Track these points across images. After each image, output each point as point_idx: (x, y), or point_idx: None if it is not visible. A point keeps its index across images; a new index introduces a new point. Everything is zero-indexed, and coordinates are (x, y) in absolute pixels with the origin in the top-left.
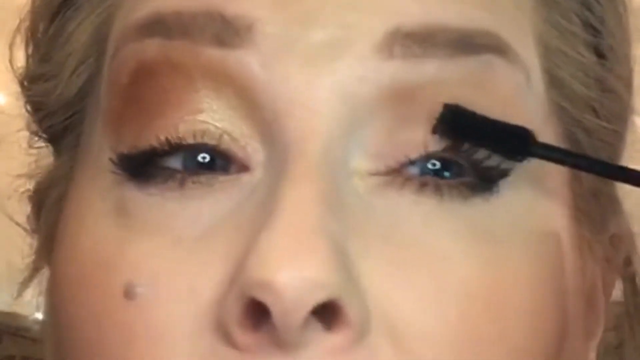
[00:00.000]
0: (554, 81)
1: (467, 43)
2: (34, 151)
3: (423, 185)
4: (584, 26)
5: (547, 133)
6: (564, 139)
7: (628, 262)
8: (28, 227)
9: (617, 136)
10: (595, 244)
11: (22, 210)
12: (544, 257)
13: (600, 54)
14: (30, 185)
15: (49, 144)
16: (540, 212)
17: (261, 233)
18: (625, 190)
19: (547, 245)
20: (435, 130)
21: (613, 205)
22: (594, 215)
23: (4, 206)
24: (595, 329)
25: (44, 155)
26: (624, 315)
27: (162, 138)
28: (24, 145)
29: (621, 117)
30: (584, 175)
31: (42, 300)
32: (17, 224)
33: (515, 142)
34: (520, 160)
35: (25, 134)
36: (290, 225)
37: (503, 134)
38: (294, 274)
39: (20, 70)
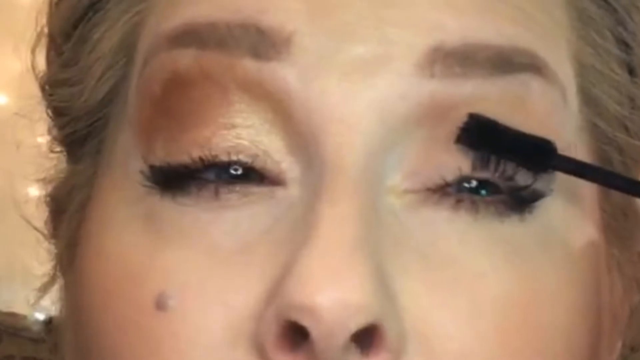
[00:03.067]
0: (588, 99)
1: (506, 62)
2: (49, 156)
3: (459, 202)
4: (617, 43)
5: (580, 151)
6: (596, 156)
7: None
8: (31, 232)
9: None
10: (624, 262)
11: (24, 212)
12: (578, 275)
13: (632, 72)
14: (46, 190)
15: (65, 151)
16: (574, 231)
17: (300, 252)
18: None
19: (581, 263)
20: (458, 140)
21: None
22: (622, 233)
23: (11, 210)
24: (617, 345)
25: (62, 160)
26: None
27: (195, 156)
28: (43, 149)
29: None
30: (613, 193)
31: (42, 301)
32: (36, 229)
33: (538, 154)
34: (542, 172)
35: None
36: (329, 244)
37: (526, 146)
38: (334, 296)
39: (42, 74)
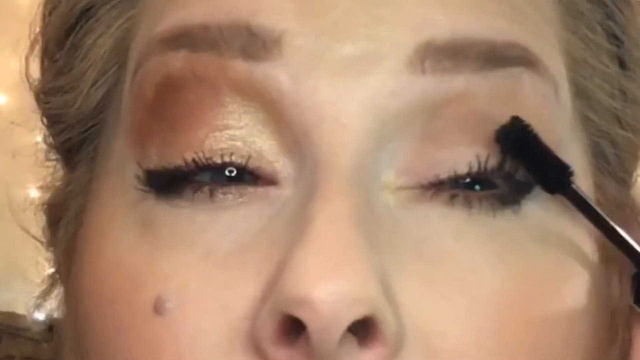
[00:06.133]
0: (580, 92)
1: (497, 56)
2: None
3: (453, 197)
4: (607, 36)
5: (573, 145)
6: (589, 150)
7: None
8: (29, 237)
9: (638, 146)
10: (623, 260)
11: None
12: (575, 268)
13: (623, 64)
14: (44, 196)
15: (61, 158)
16: (567, 224)
17: (295, 249)
18: None
19: (576, 256)
20: (497, 137)
21: (636, 217)
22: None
23: (13, 216)
24: (617, 340)
25: (59, 167)
26: None
27: (189, 159)
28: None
29: None
30: (608, 187)
31: (42, 300)
32: (34, 237)
33: (556, 178)
34: (553, 194)
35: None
36: (325, 240)
37: (549, 165)
38: (331, 289)
39: (36, 83)
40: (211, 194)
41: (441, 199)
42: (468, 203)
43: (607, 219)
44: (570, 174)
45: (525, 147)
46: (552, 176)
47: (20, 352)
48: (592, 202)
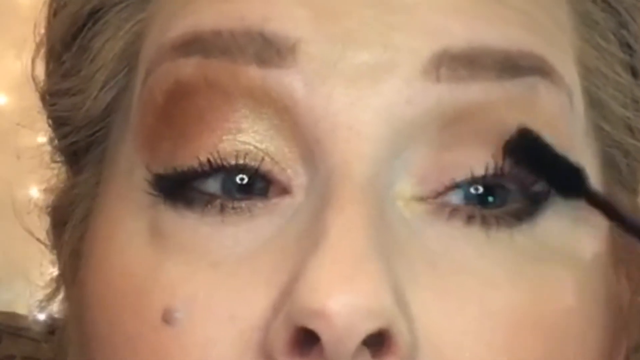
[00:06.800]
0: (593, 102)
1: (512, 65)
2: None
3: (470, 218)
4: (620, 45)
5: (586, 154)
6: (601, 159)
7: None
8: (30, 237)
9: None
10: (631, 265)
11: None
12: (589, 280)
13: (635, 74)
14: (47, 198)
15: (66, 161)
16: (582, 234)
17: (309, 259)
18: None
19: (591, 268)
20: (504, 149)
21: None
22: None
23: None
24: (623, 348)
25: (64, 169)
26: None
27: (203, 159)
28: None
29: None
30: (619, 196)
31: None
32: (38, 239)
33: (571, 183)
34: (570, 199)
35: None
36: (340, 251)
37: (562, 170)
38: (346, 300)
39: (42, 84)
40: (222, 209)
41: (459, 219)
42: (486, 224)
43: (624, 214)
44: (584, 176)
45: (535, 157)
46: (567, 181)
47: (20, 352)
48: (608, 200)
